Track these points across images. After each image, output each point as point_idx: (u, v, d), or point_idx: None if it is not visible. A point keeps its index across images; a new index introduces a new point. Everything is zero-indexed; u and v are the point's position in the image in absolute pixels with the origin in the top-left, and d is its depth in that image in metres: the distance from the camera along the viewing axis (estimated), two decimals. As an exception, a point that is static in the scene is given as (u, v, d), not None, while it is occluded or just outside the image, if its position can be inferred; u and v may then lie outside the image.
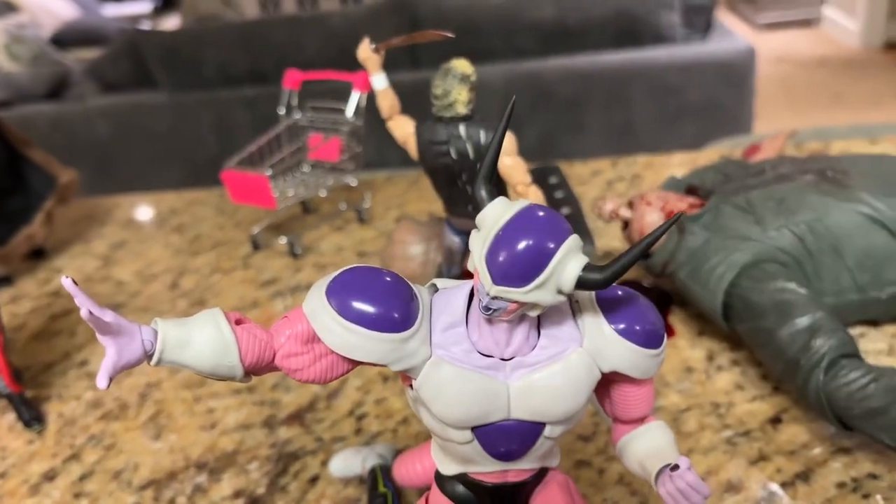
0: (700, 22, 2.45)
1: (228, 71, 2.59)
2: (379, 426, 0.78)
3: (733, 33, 2.51)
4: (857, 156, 0.87)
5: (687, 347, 0.83)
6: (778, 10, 4.59)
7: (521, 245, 0.36)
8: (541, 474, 0.44)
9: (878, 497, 0.63)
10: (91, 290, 1.10)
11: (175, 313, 1.01)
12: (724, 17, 4.79)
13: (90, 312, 0.35)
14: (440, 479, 0.45)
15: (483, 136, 0.70)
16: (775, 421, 0.73)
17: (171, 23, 4.58)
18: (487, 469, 0.42)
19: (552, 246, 0.36)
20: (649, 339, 0.41)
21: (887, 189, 0.78)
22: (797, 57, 4.17)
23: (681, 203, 0.85)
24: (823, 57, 4.13)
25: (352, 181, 1.18)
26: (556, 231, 0.37)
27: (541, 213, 0.37)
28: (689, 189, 0.90)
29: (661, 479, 0.40)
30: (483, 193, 0.39)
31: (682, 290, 0.82)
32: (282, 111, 1.17)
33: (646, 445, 0.44)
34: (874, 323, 0.82)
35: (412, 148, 0.75)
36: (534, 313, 0.38)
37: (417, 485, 0.59)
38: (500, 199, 0.38)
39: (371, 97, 0.83)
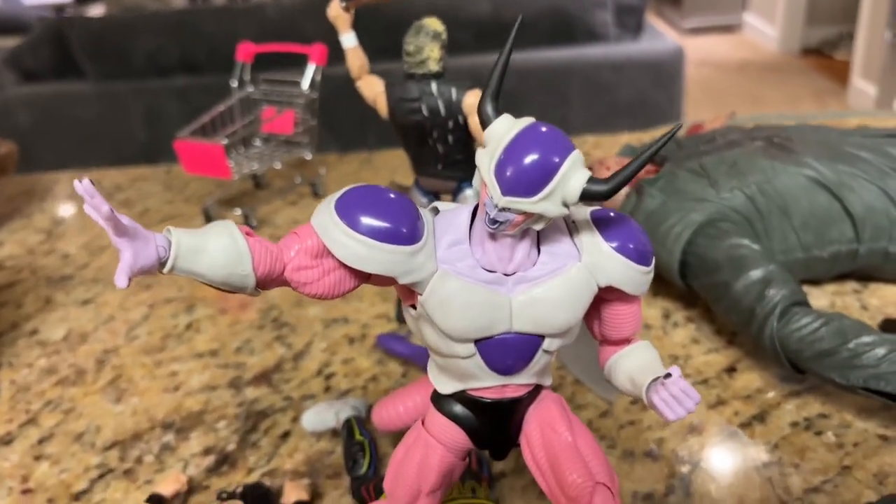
0: (631, 22, 2.54)
1: (158, 60, 2.52)
2: (348, 384, 0.78)
3: (663, 34, 2.60)
4: (799, 126, 0.92)
5: (644, 307, 0.87)
6: (702, 15, 4.77)
7: (529, 158, 0.38)
8: (535, 392, 0.46)
9: (829, 433, 0.68)
10: (35, 263, 1.06)
11: (127, 284, 0.98)
12: (651, 21, 4.95)
13: (111, 210, 0.35)
14: (437, 400, 0.46)
15: (454, 94, 0.72)
16: (730, 370, 0.76)
17: (95, 13, 4.43)
18: (487, 384, 0.43)
19: (558, 159, 0.38)
20: (642, 257, 0.43)
21: (829, 154, 0.83)
22: (719, 61, 4.34)
23: (637, 168, 0.88)
24: (744, 61, 4.31)
25: (307, 154, 1.18)
26: (562, 145, 0.38)
27: (545, 129, 0.39)
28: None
29: (654, 387, 0.42)
30: (489, 110, 0.40)
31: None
32: (234, 84, 1.16)
33: (635, 362, 0.46)
34: (816, 282, 0.87)
35: (382, 106, 0.76)
36: (538, 226, 0.40)
37: (398, 426, 0.59)
38: (506, 116, 0.40)
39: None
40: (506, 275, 0.42)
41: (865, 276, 0.86)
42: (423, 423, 0.47)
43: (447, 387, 0.45)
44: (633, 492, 0.63)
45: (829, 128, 0.91)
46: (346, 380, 0.79)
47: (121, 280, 0.36)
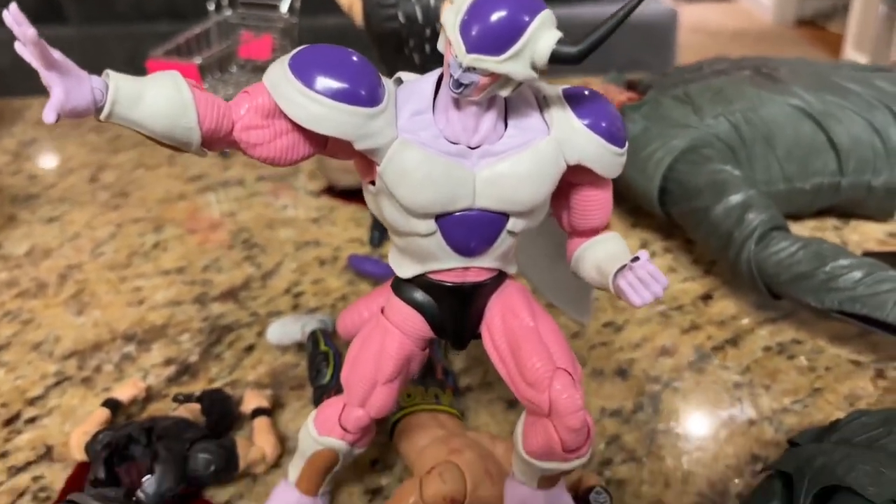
0: (626, -18, 2.50)
1: (144, 6, 2.47)
2: (317, 303, 0.76)
3: (658, -3, 2.56)
4: (788, 59, 0.90)
5: (623, 236, 0.85)
6: (697, -18, 4.71)
7: (497, 14, 0.35)
8: (499, 279, 0.44)
9: (802, 358, 0.67)
10: (0, 182, 1.03)
11: (95, 205, 0.96)
12: (646, -12, 4.89)
13: (37, 35, 0.33)
14: (398, 286, 0.44)
15: (432, 0, 0.69)
16: (706, 298, 0.75)
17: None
18: (448, 265, 0.42)
19: (527, 17, 0.36)
20: (614, 137, 0.41)
21: (817, 84, 0.81)
22: (713, 29, 4.30)
23: (621, 96, 0.86)
24: (738, 30, 4.27)
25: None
26: (531, 3, 0.36)
27: None
28: (629, 84, 0.92)
29: (621, 272, 0.41)
30: None
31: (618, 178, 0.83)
32: (211, 7, 1.12)
33: (603, 251, 0.44)
34: (797, 217, 0.85)
35: (357, 13, 0.73)
36: (504, 92, 0.38)
37: (363, 332, 0.58)
38: None
39: None
40: (470, 148, 0.40)
41: (846, 212, 0.85)
42: (381, 311, 0.45)
43: (408, 270, 0.43)
44: (601, 408, 0.62)
45: (819, 62, 0.89)
46: (316, 298, 0.77)
47: (49, 115, 0.34)
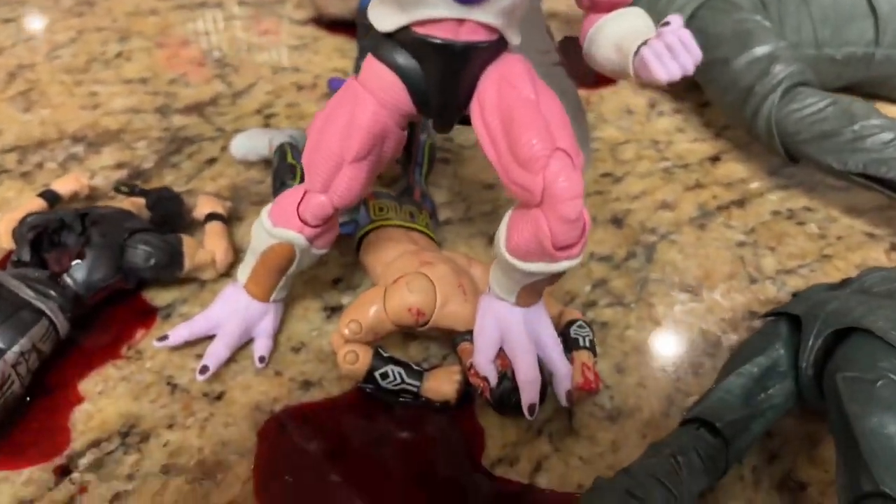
0: None
1: None
2: (290, 126, 0.69)
3: None
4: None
5: (629, 94, 0.78)
6: None
7: None
8: (497, 48, 0.37)
9: (812, 225, 0.61)
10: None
11: (57, 11, 0.87)
12: None
13: None
14: (375, 46, 0.38)
15: None
16: (714, 159, 0.69)
17: None
18: (439, 14, 0.34)
19: None
20: None
21: (865, -61, 0.73)
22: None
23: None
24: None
25: None
26: None
27: None
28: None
29: (645, 45, 0.34)
30: None
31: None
32: None
33: (627, 24, 0.37)
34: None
35: None
36: None
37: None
38: None
39: None
40: None
41: (872, 92, 0.78)
42: (355, 77, 0.38)
43: (390, 20, 0.36)
44: (591, 252, 0.57)
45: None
46: (289, 122, 0.70)
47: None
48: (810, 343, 0.40)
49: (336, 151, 0.38)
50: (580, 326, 0.45)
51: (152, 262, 0.47)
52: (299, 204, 0.41)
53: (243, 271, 0.46)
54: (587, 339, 0.45)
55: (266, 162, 0.62)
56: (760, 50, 0.65)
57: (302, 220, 0.41)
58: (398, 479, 0.40)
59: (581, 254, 0.36)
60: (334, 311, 0.50)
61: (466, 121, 0.39)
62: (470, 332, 0.43)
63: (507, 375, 0.41)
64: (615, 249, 0.57)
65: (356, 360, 0.42)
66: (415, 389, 0.43)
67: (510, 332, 0.41)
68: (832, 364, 0.39)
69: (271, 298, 0.46)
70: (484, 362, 0.41)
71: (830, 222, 0.61)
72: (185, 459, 0.40)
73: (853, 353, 0.37)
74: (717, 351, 0.49)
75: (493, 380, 0.41)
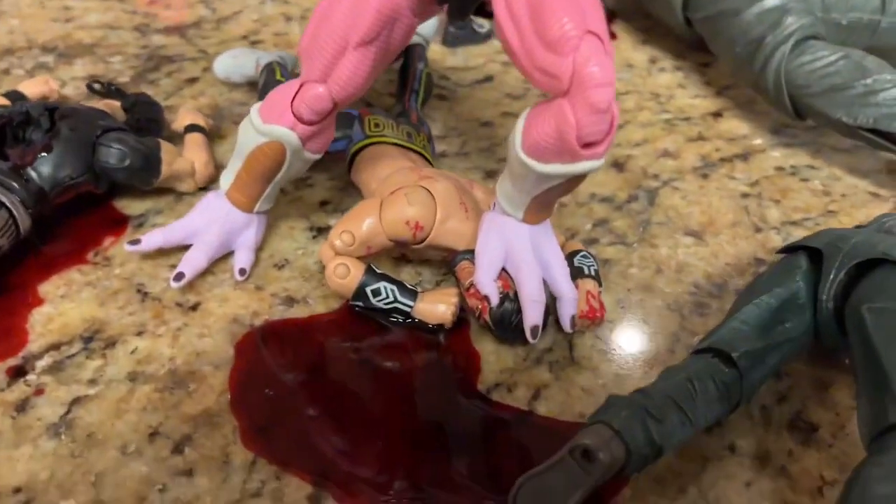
0: None
1: None
2: (277, 53, 0.65)
3: None
4: None
5: (629, 50, 0.76)
6: None
7: None
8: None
9: (816, 182, 0.59)
10: None
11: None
12: None
13: None
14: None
15: None
16: (716, 115, 0.67)
17: None
18: None
19: None
20: None
21: None
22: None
23: None
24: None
25: None
26: None
27: None
28: None
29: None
30: None
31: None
32: None
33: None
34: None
35: None
36: None
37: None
38: None
39: None
40: None
41: (875, 63, 0.77)
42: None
43: None
44: (592, 193, 0.54)
45: None
46: (276, 49, 0.66)
47: None
48: (832, 276, 0.38)
49: (341, 33, 0.35)
50: (584, 256, 0.43)
51: (126, 162, 0.43)
52: (294, 98, 0.38)
53: (226, 177, 0.42)
54: (592, 268, 0.42)
55: (251, 84, 0.59)
56: (772, 1, 0.63)
57: (296, 116, 0.38)
58: (386, 399, 0.37)
59: (605, 154, 0.33)
60: (321, 231, 0.47)
61: (481, 12, 0.36)
62: (469, 252, 0.40)
63: (508, 296, 0.38)
64: (616, 192, 0.54)
65: (347, 273, 0.39)
66: (408, 309, 0.40)
67: (515, 250, 0.38)
68: (855, 296, 0.36)
69: (255, 209, 0.43)
70: (486, 280, 0.38)
71: (834, 181, 0.59)
72: (155, 368, 0.37)
73: (881, 283, 0.35)
74: (723, 293, 0.46)
75: (495, 299, 0.38)
